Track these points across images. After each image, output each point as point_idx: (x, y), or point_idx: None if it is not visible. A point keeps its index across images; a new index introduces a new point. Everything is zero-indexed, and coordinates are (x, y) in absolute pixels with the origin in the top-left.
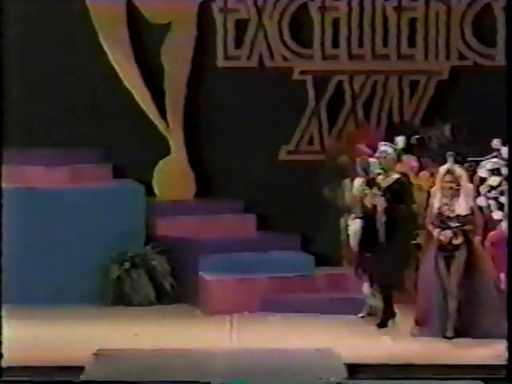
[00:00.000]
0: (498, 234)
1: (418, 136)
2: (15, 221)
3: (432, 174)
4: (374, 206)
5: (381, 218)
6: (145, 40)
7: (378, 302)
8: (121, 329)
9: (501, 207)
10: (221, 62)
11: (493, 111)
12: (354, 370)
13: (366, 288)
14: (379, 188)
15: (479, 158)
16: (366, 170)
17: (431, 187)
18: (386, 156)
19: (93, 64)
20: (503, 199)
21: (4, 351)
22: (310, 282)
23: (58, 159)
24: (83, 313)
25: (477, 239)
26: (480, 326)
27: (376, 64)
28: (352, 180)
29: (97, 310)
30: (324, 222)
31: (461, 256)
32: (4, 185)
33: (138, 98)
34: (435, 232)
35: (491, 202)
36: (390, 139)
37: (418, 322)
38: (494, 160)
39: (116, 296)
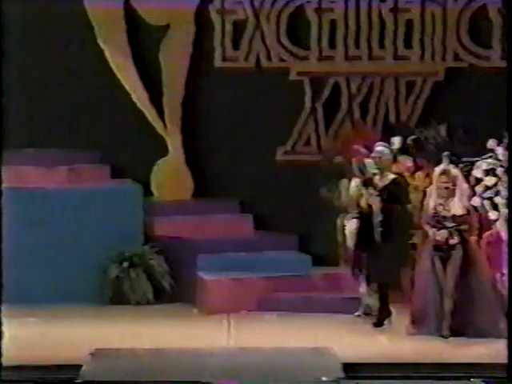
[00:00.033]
0: (494, 234)
1: (413, 137)
2: (14, 221)
3: (427, 175)
4: (370, 206)
5: (377, 218)
6: (143, 41)
7: (374, 302)
8: (119, 328)
9: (496, 207)
10: (218, 63)
11: (488, 112)
12: (350, 368)
13: (362, 287)
14: (375, 188)
15: (474, 159)
16: (362, 171)
17: (427, 187)
18: (382, 156)
19: (91, 65)
20: (498, 199)
21: (3, 350)
22: (306, 281)
23: (56, 160)
24: (82, 312)
25: (472, 239)
26: (475, 325)
27: (372, 65)
28: (348, 180)
29: (95, 309)
30: (321, 222)
31: (457, 256)
32: (3, 185)
33: (136, 99)
34: (431, 232)
35: (486, 202)
36: (386, 140)
37: (413, 321)
38: (489, 160)
39: (114, 295)
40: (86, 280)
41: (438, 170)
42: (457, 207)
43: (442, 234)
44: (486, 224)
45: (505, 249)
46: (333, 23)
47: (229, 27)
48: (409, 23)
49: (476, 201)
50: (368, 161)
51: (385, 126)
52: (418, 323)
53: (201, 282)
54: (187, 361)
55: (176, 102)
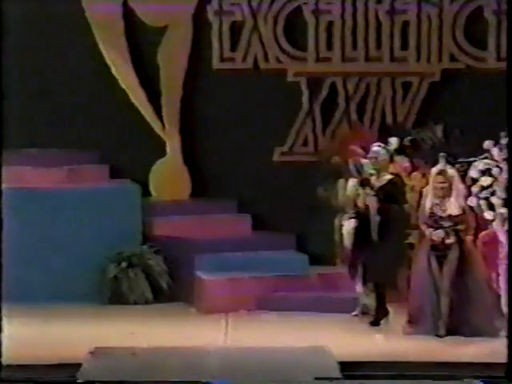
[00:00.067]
0: (490, 234)
1: (410, 137)
2: (14, 220)
3: (424, 175)
4: (367, 206)
5: (374, 218)
6: (141, 42)
7: (371, 301)
8: (118, 327)
9: (492, 207)
10: (216, 64)
11: (484, 113)
12: (347, 367)
13: (359, 287)
14: (372, 188)
15: (470, 159)
16: (359, 171)
17: (423, 187)
18: (378, 157)
19: (90, 66)
20: (494, 199)
21: (3, 349)
22: (304, 281)
23: (56, 160)
24: (81, 311)
25: (469, 239)
26: (471, 324)
27: (369, 66)
28: (345, 180)
29: (94, 308)
30: (318, 221)
31: (453, 255)
32: (3, 185)
33: (134, 100)
34: (428, 232)
35: (482, 202)
36: (382, 140)
37: (410, 321)
38: (485, 161)
39: (113, 295)
40: (84, 279)
41: (434, 170)
42: (453, 207)
43: (438, 234)
44: (482, 224)
45: (501, 248)
46: (330, 25)
47: (226, 28)
48: (405, 25)
49: (472, 201)
50: (365, 161)
51: (381, 126)
52: (415, 322)
53: (199, 282)
54: (185, 360)
55: (174, 102)
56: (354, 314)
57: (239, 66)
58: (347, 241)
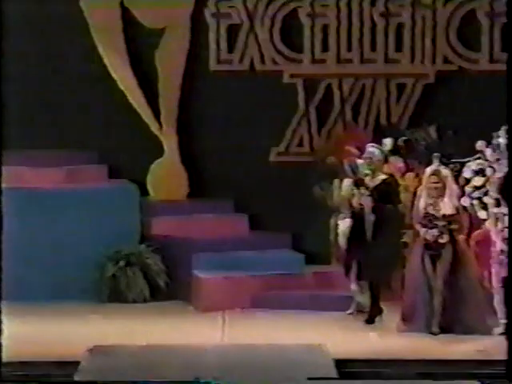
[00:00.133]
0: (482, 233)
1: (404, 138)
2: (14, 220)
3: (417, 175)
4: (362, 206)
5: (368, 218)
6: (140, 44)
7: (365, 299)
8: (116, 325)
9: (485, 207)
10: (213, 66)
11: (477, 114)
12: (342, 364)
13: (354, 285)
14: (367, 188)
15: (464, 160)
16: (354, 171)
17: (417, 188)
18: (373, 157)
19: (89, 67)
20: (487, 199)
21: (3, 346)
22: (299, 279)
23: (55, 160)
24: (79, 309)
25: (462, 238)
26: (464, 322)
27: (364, 68)
28: (340, 180)
29: (93, 306)
30: (313, 221)
31: (446, 254)
32: (3, 185)
33: (132, 101)
34: (422, 231)
35: (475, 201)
36: (377, 141)
37: (404, 318)
38: (479, 161)
39: (111, 293)
40: (83, 278)
41: (428, 170)
42: (447, 207)
43: (432, 233)
44: (475, 223)
45: (493, 248)
46: (325, 27)
47: (223, 31)
48: (399, 27)
49: (465, 201)
50: (360, 161)
51: (376, 127)
52: (409, 320)
53: (196, 281)
54: (182, 357)
55: (172, 103)
56: (348, 312)
57: (236, 67)
58: (342, 240)
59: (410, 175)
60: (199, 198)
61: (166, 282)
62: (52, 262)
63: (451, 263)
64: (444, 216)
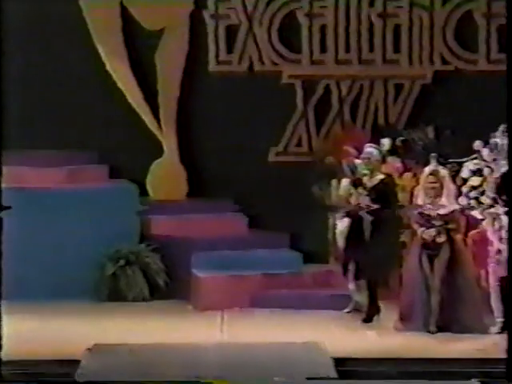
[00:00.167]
0: (479, 233)
1: (402, 138)
2: (14, 220)
3: (415, 175)
4: (360, 206)
5: (366, 217)
6: (139, 45)
7: (363, 298)
8: (116, 324)
9: (482, 206)
10: (212, 67)
11: (474, 114)
12: (340, 363)
13: (351, 284)
14: (365, 188)
15: (461, 159)
16: (352, 171)
17: (414, 187)
18: (371, 157)
19: (89, 68)
20: (484, 199)
21: (3, 345)
22: (298, 278)
23: (56, 161)
24: (79, 308)
25: (459, 237)
26: (461, 321)
27: (362, 68)
28: (339, 180)
29: (93, 305)
30: (312, 221)
31: (444, 254)
32: (4, 185)
33: (132, 101)
34: (419, 231)
35: (472, 201)
36: (375, 141)
37: (401, 317)
38: (476, 161)
39: (111, 292)
40: (83, 277)
41: (426, 170)
42: (444, 207)
43: (429, 233)
44: (471, 223)
45: (490, 247)
46: (323, 28)
47: (222, 31)
48: (397, 28)
49: (463, 200)
50: (358, 161)
51: (374, 127)
52: (406, 319)
53: (195, 280)
54: (182, 355)
55: (171, 104)
56: (346, 310)
57: (235, 68)
58: (340, 239)
59: (407, 175)
60: (198, 198)
61: (166, 282)
62: (52, 262)
63: (448, 262)
64: (441, 216)
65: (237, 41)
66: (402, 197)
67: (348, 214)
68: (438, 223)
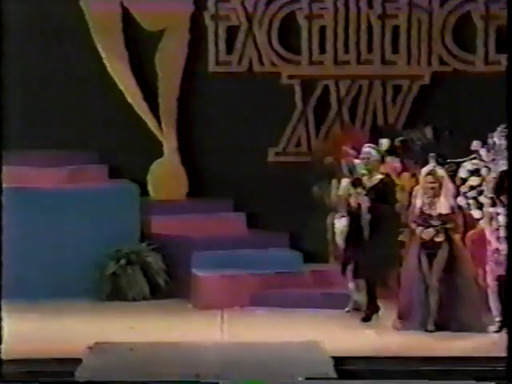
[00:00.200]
0: (478, 232)
1: (400, 138)
2: (15, 219)
3: (413, 175)
4: (359, 205)
5: (365, 217)
6: (139, 45)
7: (362, 297)
8: (116, 322)
9: (480, 206)
10: (212, 67)
11: (472, 114)
12: (339, 361)
13: (351, 284)
14: (364, 188)
15: (459, 160)
16: (351, 171)
17: (413, 187)
18: (370, 157)
19: (90, 69)
20: (482, 198)
21: (3, 344)
22: (297, 277)
23: (56, 160)
24: (80, 307)
25: (457, 237)
26: (459, 319)
27: (361, 69)
28: (338, 180)
29: (93, 304)
30: (311, 220)
31: (442, 253)
32: (4, 185)
33: (132, 102)
34: (418, 230)
35: (471, 201)
36: (374, 141)
37: (400, 316)
38: (474, 161)
39: (112, 291)
40: (84, 276)
41: (424, 170)
42: (443, 206)
43: (428, 232)
44: (469, 222)
45: (488, 246)
46: (322, 29)
47: (222, 32)
48: (396, 29)
49: (461, 200)
50: (357, 161)
51: (373, 127)
52: (405, 318)
53: (195, 279)
54: (182, 354)
55: (171, 104)
56: (346, 310)
57: (235, 68)
58: (339, 239)
59: (406, 175)
60: (198, 198)
61: (166, 281)
62: (53, 261)
63: (447, 262)
64: (440, 215)
65: (236, 42)
66: (400, 196)
67: (347, 214)
68: (436, 223)
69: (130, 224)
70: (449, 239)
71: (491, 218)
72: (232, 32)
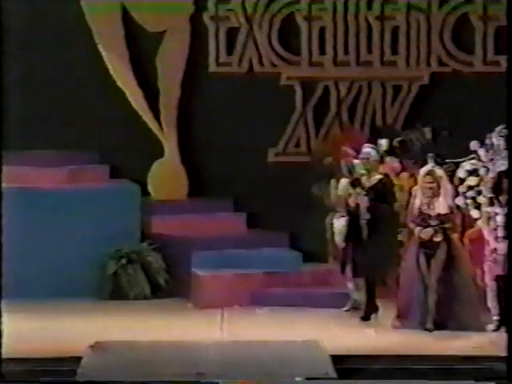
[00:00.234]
0: (476, 232)
1: (399, 139)
2: (15, 219)
3: (412, 175)
4: (358, 205)
5: (364, 217)
6: (140, 46)
7: (361, 297)
8: (117, 322)
9: (478, 206)
10: (212, 68)
11: (471, 115)
12: (338, 360)
13: (350, 283)
14: (363, 188)
15: (458, 160)
16: (350, 171)
17: (412, 187)
18: (369, 157)
19: (90, 69)
20: (480, 198)
21: (4, 343)
22: (297, 277)
23: (57, 161)
24: (81, 306)
25: (456, 237)
26: (458, 318)
27: (360, 70)
28: (337, 180)
29: (94, 303)
30: (311, 220)
31: (441, 253)
32: (4, 185)
33: (133, 102)
34: (416, 230)
35: (469, 201)
36: (373, 142)
37: (399, 315)
38: (472, 161)
39: (113, 290)
40: (85, 276)
41: (423, 170)
42: (441, 206)
43: (426, 232)
44: (468, 222)
45: (486, 246)
46: (322, 30)
47: (223, 33)
48: (395, 30)
49: (459, 200)
50: (356, 162)
51: (372, 128)
52: (404, 317)
53: (195, 278)
54: (182, 353)
55: (172, 104)
56: (345, 309)
57: (235, 69)
58: (339, 238)
59: (405, 175)
60: (199, 198)
61: (166, 280)
62: (54, 261)
63: (445, 261)
64: (438, 215)
65: (237, 43)
66: (399, 196)
67: (346, 214)
68: (435, 223)
69: (130, 224)
70: (447, 239)
71: (489, 218)
72: (232, 33)
